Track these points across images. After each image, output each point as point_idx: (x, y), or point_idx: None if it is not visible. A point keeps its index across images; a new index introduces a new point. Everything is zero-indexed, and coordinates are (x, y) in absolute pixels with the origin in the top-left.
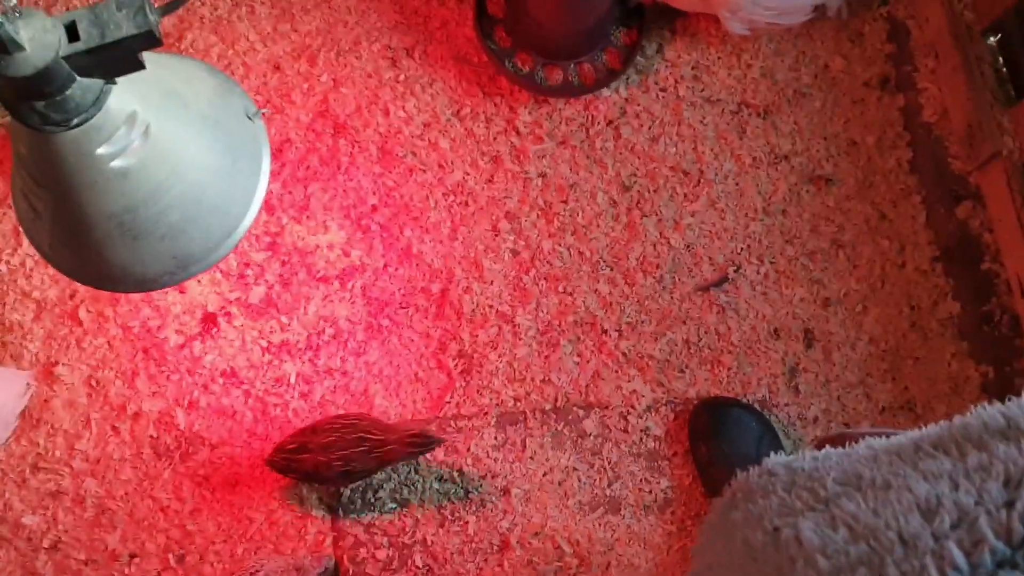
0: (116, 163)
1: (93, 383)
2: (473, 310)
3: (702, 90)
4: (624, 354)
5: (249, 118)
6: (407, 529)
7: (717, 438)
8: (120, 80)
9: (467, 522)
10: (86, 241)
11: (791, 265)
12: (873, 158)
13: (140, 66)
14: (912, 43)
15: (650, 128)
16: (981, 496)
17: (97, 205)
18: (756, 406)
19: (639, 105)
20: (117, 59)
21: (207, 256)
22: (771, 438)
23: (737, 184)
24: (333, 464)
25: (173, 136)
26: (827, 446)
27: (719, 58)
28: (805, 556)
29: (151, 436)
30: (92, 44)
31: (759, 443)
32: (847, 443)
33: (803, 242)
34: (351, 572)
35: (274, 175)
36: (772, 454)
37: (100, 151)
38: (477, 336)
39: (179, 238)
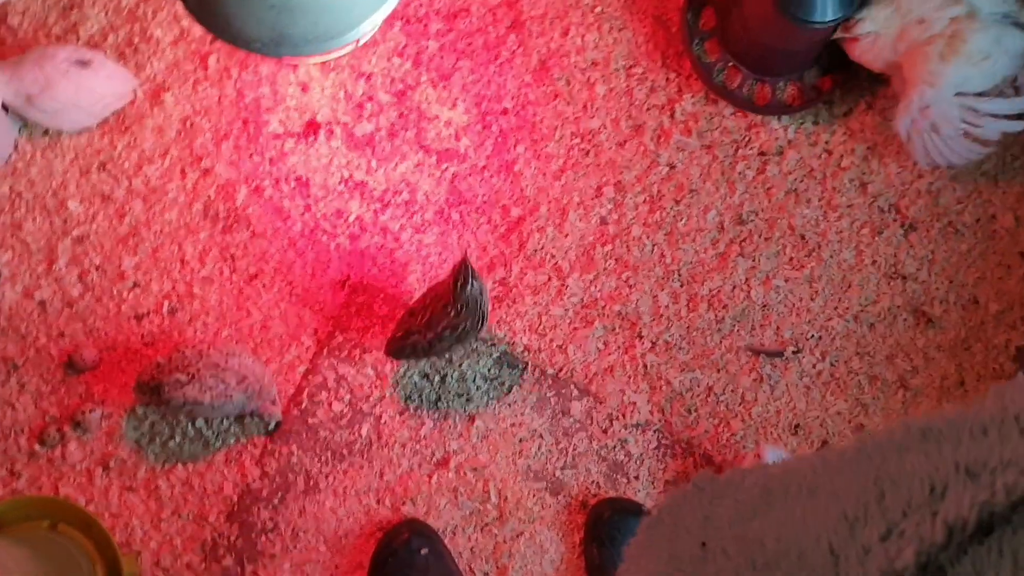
0: None
1: (188, 124)
2: (536, 250)
3: (863, 173)
4: (646, 366)
5: None
6: (371, 399)
7: (612, 545)
8: None
9: (424, 424)
10: None
11: (848, 377)
12: (986, 325)
13: None
14: None
15: (796, 179)
16: (909, 505)
17: None
18: None
19: (798, 153)
20: None
21: (302, 46)
22: None
23: (844, 276)
24: (443, 335)
25: None
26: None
27: (898, 152)
28: (734, 569)
29: (208, 196)
30: None
31: None
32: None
33: (872, 363)
34: (304, 406)
35: (437, 37)
36: None
37: None
38: (526, 275)
39: (284, 16)
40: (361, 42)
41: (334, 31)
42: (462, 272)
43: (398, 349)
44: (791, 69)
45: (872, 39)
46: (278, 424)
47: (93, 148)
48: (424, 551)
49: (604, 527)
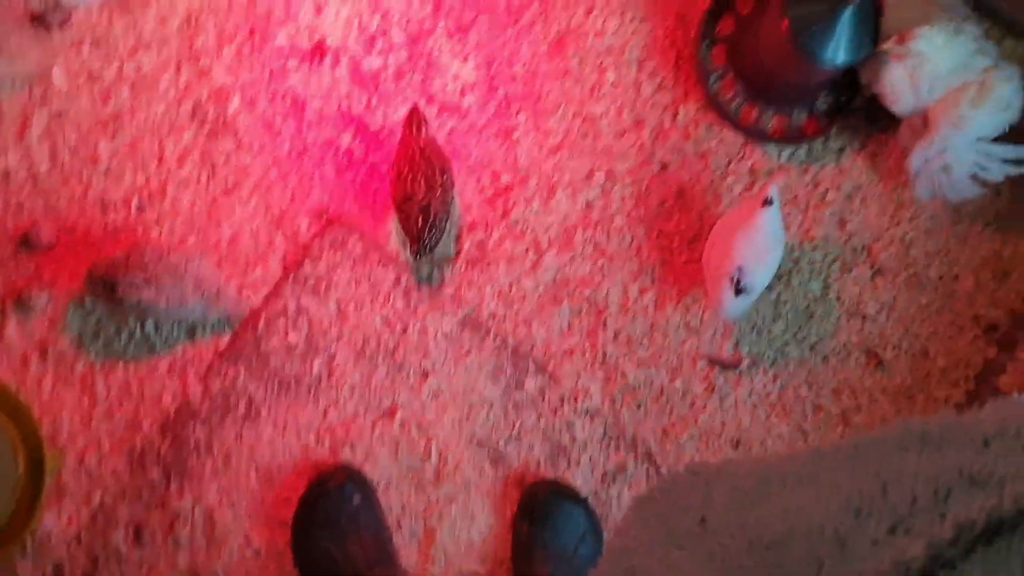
0: None
1: (193, 20)
2: (518, 221)
3: (844, 211)
4: (605, 354)
5: None
6: (328, 335)
7: (542, 525)
8: None
9: (377, 369)
10: None
11: (794, 403)
12: (931, 378)
13: None
14: None
15: (781, 205)
16: (915, 503)
17: None
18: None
19: (787, 178)
20: None
21: None
22: (593, 539)
23: (808, 305)
24: (445, 183)
25: None
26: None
27: (881, 197)
28: (736, 548)
29: (200, 97)
30: None
31: (580, 541)
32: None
33: (819, 393)
34: (259, 331)
35: None
36: (589, 556)
37: None
38: (504, 242)
39: None
40: None
41: None
42: (414, 118)
43: (423, 228)
44: (786, 101)
45: (908, 75)
46: (230, 330)
47: (89, 23)
48: (356, 498)
49: (538, 506)
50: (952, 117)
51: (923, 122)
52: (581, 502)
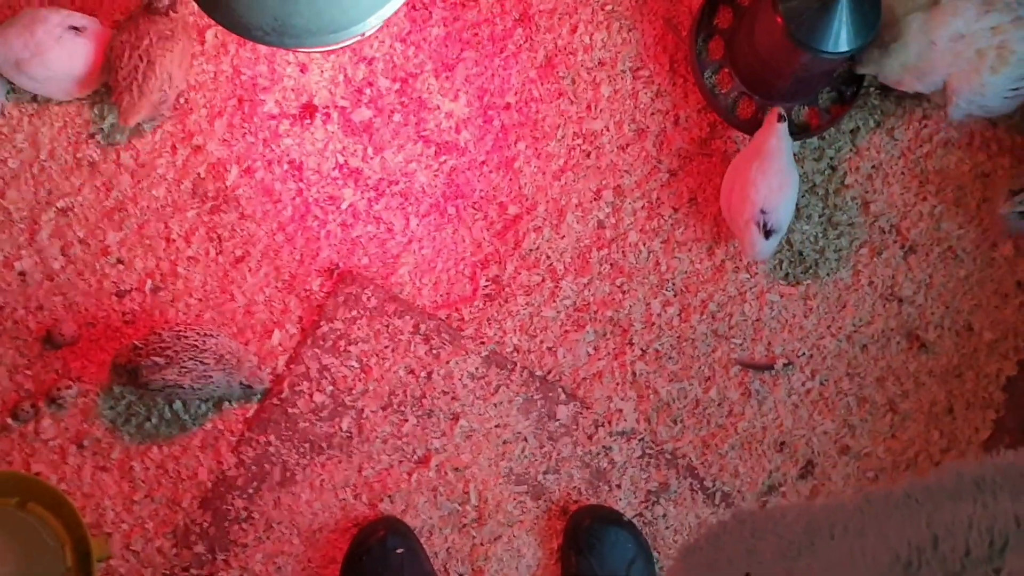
0: None
1: (182, 99)
2: (531, 250)
3: (866, 192)
4: (634, 374)
5: None
6: (354, 392)
7: (590, 553)
8: None
9: (407, 420)
10: None
11: (836, 397)
12: (979, 353)
13: None
14: None
15: (798, 195)
16: (967, 555)
17: None
18: (637, 524)
19: (802, 167)
20: None
21: (303, 37)
22: (644, 562)
23: (840, 295)
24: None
25: None
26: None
27: (903, 174)
28: None
29: (198, 175)
30: None
31: (631, 565)
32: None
33: (862, 384)
34: (284, 395)
35: (442, 24)
36: None
37: None
38: (520, 274)
39: (288, 5)
40: (366, 35)
41: (339, 24)
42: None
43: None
44: (787, 95)
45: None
46: (266, 391)
47: (83, 118)
48: (400, 550)
49: (583, 535)
50: (975, 86)
51: (943, 97)
52: (626, 525)
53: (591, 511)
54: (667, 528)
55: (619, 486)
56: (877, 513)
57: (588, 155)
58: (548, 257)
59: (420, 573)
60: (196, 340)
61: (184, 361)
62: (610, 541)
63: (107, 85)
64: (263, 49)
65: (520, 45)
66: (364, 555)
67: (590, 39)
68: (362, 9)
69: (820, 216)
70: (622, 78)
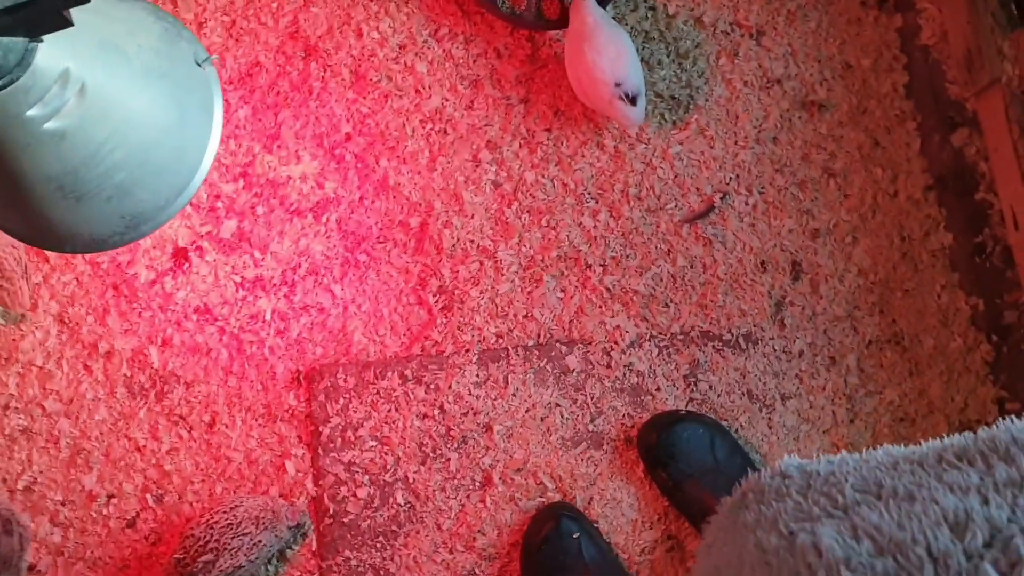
0: (50, 125)
1: (64, 321)
2: (453, 245)
3: (692, 9)
4: (608, 289)
5: (199, 64)
6: (388, 467)
7: (674, 461)
8: (48, 37)
9: (449, 459)
10: (27, 203)
11: (780, 195)
12: (868, 82)
13: (67, 23)
14: None
15: (640, 47)
16: (1015, 512)
17: (34, 167)
18: (706, 413)
19: (626, 24)
20: (40, 17)
21: (158, 215)
22: (720, 437)
23: (727, 110)
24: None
25: (113, 93)
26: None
27: None
28: (826, 566)
29: (125, 375)
30: (8, 3)
31: (712, 448)
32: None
33: (793, 171)
34: (332, 511)
35: (243, 101)
36: (728, 454)
37: (31, 113)
38: (458, 272)
39: (126, 199)
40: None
41: (180, 183)
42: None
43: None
44: None
45: None
46: (310, 526)
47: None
48: (575, 535)
49: (657, 450)
50: None
51: None
52: (686, 416)
53: (651, 425)
54: (718, 396)
55: (658, 389)
56: (927, 475)
57: (445, 133)
58: (472, 242)
59: (598, 551)
60: (226, 518)
61: (228, 544)
62: (683, 439)
63: None
64: None
65: (322, 77)
66: (543, 545)
67: (378, 32)
68: (190, 161)
69: (668, 56)
70: (428, 48)
